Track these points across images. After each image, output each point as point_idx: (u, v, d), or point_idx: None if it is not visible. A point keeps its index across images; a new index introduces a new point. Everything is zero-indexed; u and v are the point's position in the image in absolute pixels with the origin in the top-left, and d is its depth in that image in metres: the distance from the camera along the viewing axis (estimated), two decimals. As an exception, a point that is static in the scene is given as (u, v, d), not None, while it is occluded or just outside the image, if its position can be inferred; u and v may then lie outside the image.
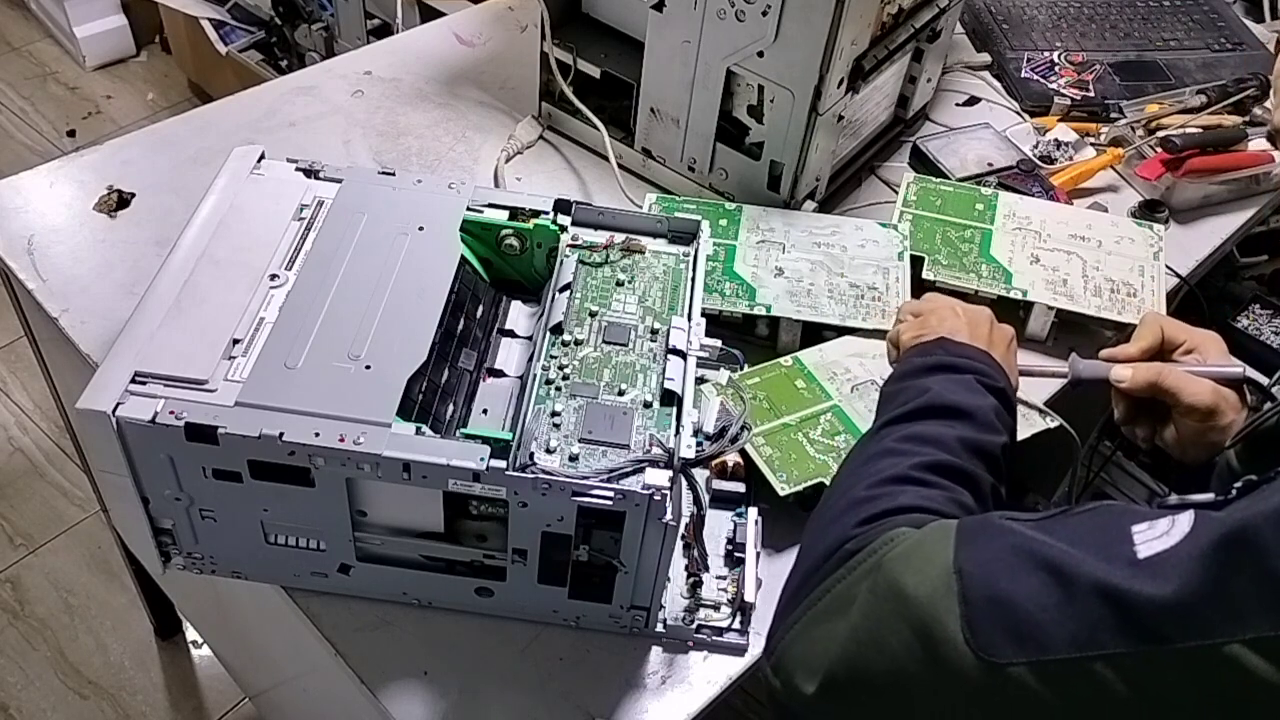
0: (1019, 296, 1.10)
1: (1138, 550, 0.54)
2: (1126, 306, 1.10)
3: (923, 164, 1.29)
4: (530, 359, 0.86)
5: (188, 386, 0.76)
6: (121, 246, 1.14)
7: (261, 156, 0.95)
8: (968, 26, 1.55)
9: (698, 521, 0.91)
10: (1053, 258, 1.14)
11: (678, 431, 0.78)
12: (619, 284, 0.90)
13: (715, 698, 0.85)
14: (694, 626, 0.86)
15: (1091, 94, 1.42)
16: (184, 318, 0.81)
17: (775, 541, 0.92)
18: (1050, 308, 1.10)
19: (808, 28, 1.03)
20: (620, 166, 1.23)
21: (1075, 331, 1.11)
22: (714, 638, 0.86)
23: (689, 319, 0.87)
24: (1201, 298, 1.26)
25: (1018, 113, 1.42)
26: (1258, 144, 1.33)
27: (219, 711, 1.76)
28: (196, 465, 0.77)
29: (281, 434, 0.73)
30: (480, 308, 0.92)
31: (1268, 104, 1.36)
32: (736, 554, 0.89)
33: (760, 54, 1.07)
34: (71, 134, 2.74)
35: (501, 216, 0.93)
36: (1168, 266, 1.16)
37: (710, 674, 0.86)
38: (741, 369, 0.96)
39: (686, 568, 0.89)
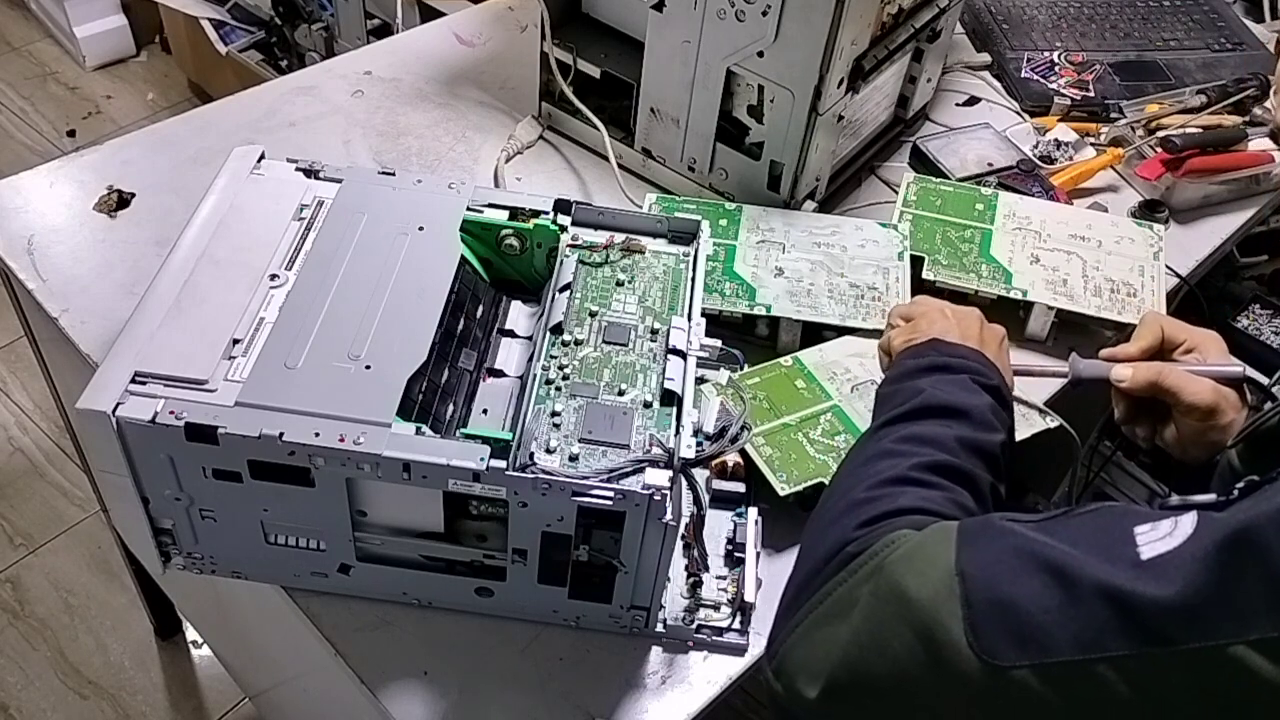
0: (1019, 296, 1.10)
1: (1141, 551, 0.54)
2: (1126, 306, 1.10)
3: (923, 164, 1.29)
4: (530, 359, 0.86)
5: (188, 386, 0.76)
6: (121, 246, 1.14)
7: (261, 156, 0.95)
8: (968, 26, 1.55)
9: (698, 521, 0.91)
10: (1053, 258, 1.14)
11: (678, 431, 0.78)
12: (619, 284, 0.90)
13: (715, 698, 0.85)
14: (694, 626, 0.86)
15: (1091, 94, 1.42)
16: (184, 318, 0.81)
17: (775, 541, 0.92)
18: (1050, 308, 1.10)
19: (808, 28, 1.03)
20: (620, 166, 1.23)
21: (1075, 331, 1.11)
22: (714, 638, 0.86)
23: (689, 319, 0.87)
24: (1201, 298, 1.26)
25: (1018, 113, 1.42)
26: (1258, 144, 1.33)
27: (219, 711, 1.76)
28: (196, 465, 0.77)
29: (281, 434, 0.73)
30: (480, 308, 0.92)
31: (1268, 104, 1.36)
32: (736, 554, 0.89)
33: (760, 54, 1.07)
34: (71, 134, 2.74)
35: (501, 216, 0.93)
36: (1168, 266, 1.16)
37: (710, 674, 0.86)
38: (741, 369, 0.96)
39: (686, 568, 0.89)
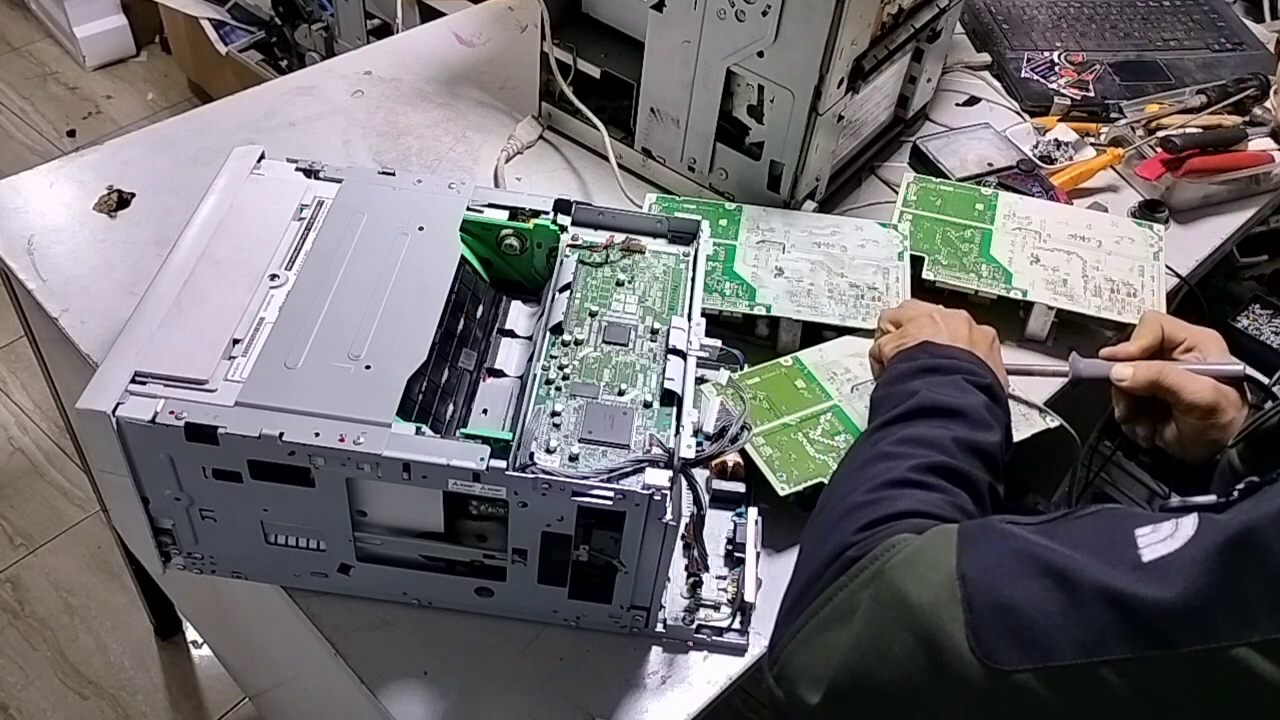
0: (1019, 296, 1.10)
1: (1142, 554, 0.54)
2: (1126, 306, 1.10)
3: (923, 164, 1.29)
4: (530, 359, 0.86)
5: (188, 386, 0.76)
6: (121, 246, 1.14)
7: (261, 156, 0.95)
8: (968, 26, 1.55)
9: (698, 521, 0.91)
10: (1053, 258, 1.14)
11: (678, 431, 0.78)
12: (619, 284, 0.90)
13: (715, 698, 0.85)
14: (694, 626, 0.86)
15: (1091, 94, 1.42)
16: (184, 318, 0.81)
17: (775, 541, 0.92)
18: (1050, 308, 1.10)
19: (808, 28, 1.03)
20: (620, 166, 1.23)
21: (1075, 331, 1.11)
22: (714, 638, 0.86)
23: (689, 319, 0.87)
24: (1201, 298, 1.26)
25: (1018, 113, 1.42)
26: (1258, 144, 1.33)
27: (219, 711, 1.76)
28: (196, 465, 0.77)
29: (281, 434, 0.73)
30: (480, 308, 0.92)
31: (1268, 104, 1.36)
32: (736, 554, 0.89)
33: (760, 54, 1.07)
34: (71, 134, 2.74)
35: (501, 216, 0.93)
36: (1168, 266, 1.16)
37: (710, 674, 0.86)
38: (741, 369, 0.96)
39: (686, 568, 0.89)
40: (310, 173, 0.94)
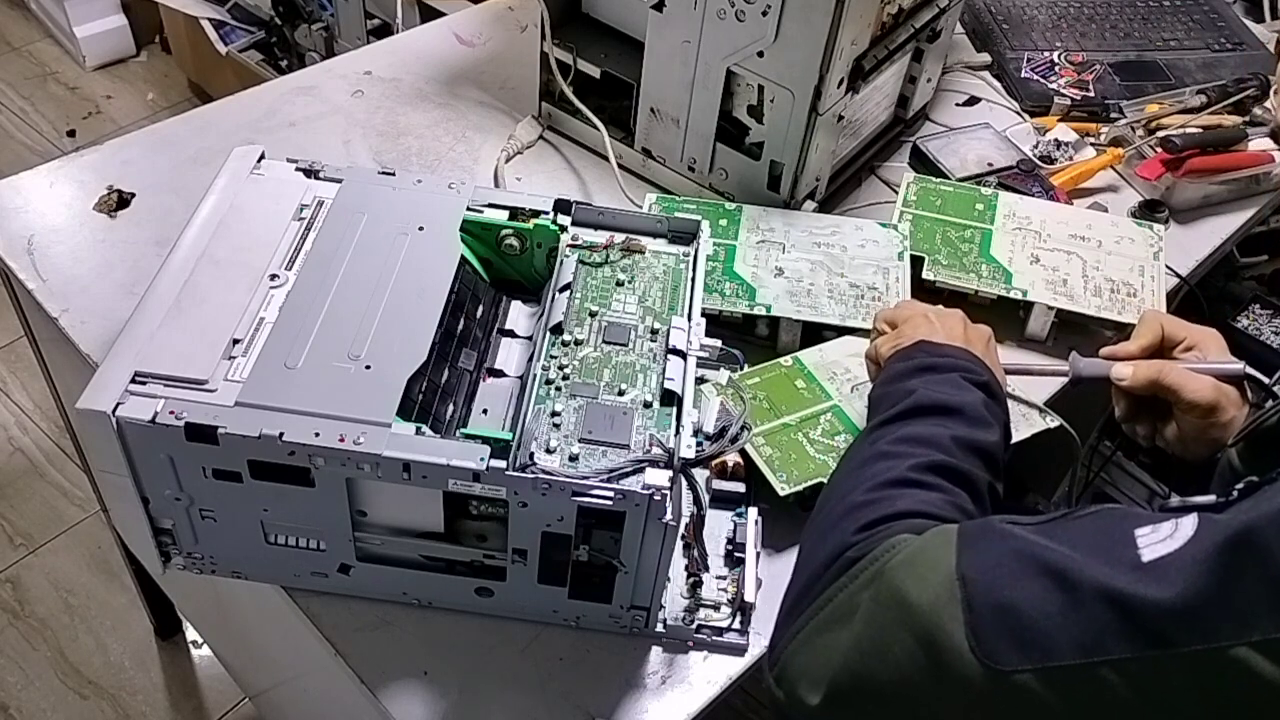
0: (1019, 296, 1.10)
1: (1141, 554, 0.54)
2: (1126, 306, 1.10)
3: (923, 164, 1.29)
4: (530, 359, 0.86)
5: (188, 386, 0.76)
6: (121, 246, 1.14)
7: (261, 156, 0.95)
8: (968, 26, 1.55)
9: (698, 521, 0.91)
10: (1053, 258, 1.14)
11: (678, 431, 0.78)
12: (619, 284, 0.90)
13: (715, 698, 0.85)
14: (694, 626, 0.86)
15: (1091, 94, 1.42)
16: (184, 318, 0.81)
17: (775, 541, 0.92)
18: (1050, 308, 1.10)
19: (808, 28, 1.03)
20: (620, 166, 1.23)
21: (1075, 331, 1.11)
22: (714, 638, 0.86)
23: (689, 319, 0.87)
24: (1201, 298, 1.26)
25: (1018, 113, 1.42)
26: (1258, 144, 1.33)
27: (219, 711, 1.76)
28: (196, 465, 0.77)
29: (281, 434, 0.73)
30: (480, 308, 0.92)
31: (1268, 104, 1.36)
32: (736, 554, 0.89)
33: (760, 54, 1.07)
34: (71, 134, 2.74)
35: (501, 216, 0.93)
36: (1168, 266, 1.16)
37: (710, 674, 0.86)
38: (741, 369, 0.96)
39: (686, 568, 0.89)
40: (310, 173, 0.94)
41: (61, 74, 2.92)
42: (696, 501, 0.92)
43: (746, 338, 1.07)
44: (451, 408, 0.85)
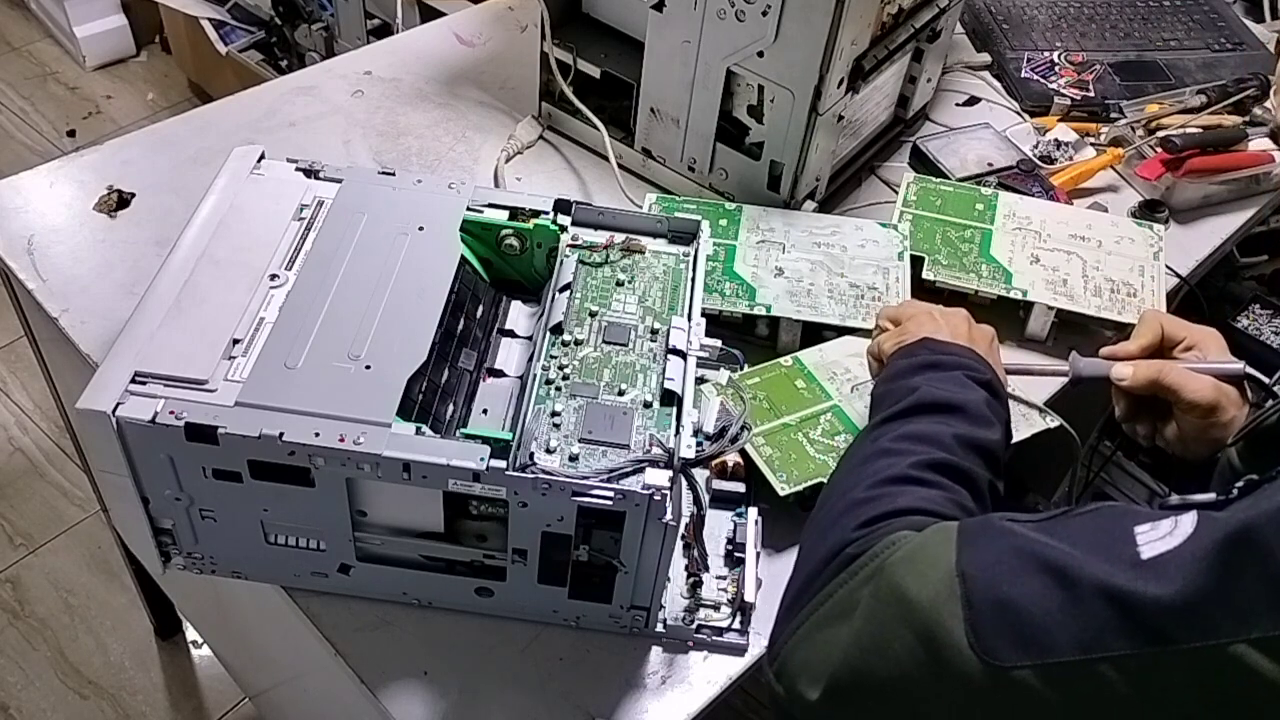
0: (1019, 296, 1.10)
1: (1141, 551, 0.54)
2: (1126, 306, 1.10)
3: (923, 164, 1.29)
4: (530, 359, 0.86)
5: (188, 386, 0.76)
6: (121, 246, 1.14)
7: (261, 156, 0.95)
8: (968, 26, 1.55)
9: (698, 521, 0.91)
10: (1053, 258, 1.14)
11: (678, 431, 0.78)
12: (619, 284, 0.90)
13: (715, 698, 0.85)
14: (694, 626, 0.86)
15: (1091, 94, 1.42)
16: (184, 318, 0.81)
17: (775, 541, 0.92)
18: (1050, 308, 1.10)
19: (808, 28, 1.03)
20: (620, 166, 1.23)
21: (1075, 331, 1.11)
22: (714, 638, 0.86)
23: (689, 319, 0.87)
24: (1201, 298, 1.26)
25: (1018, 113, 1.42)
26: (1258, 144, 1.33)
27: (219, 711, 1.76)
28: (196, 465, 0.77)
29: (281, 434, 0.73)
30: (480, 308, 0.92)
31: (1268, 104, 1.36)
32: (736, 554, 0.89)
33: (760, 54, 1.07)
34: (71, 134, 2.74)
35: (501, 216, 0.93)
36: (1168, 266, 1.16)
37: (710, 674, 0.86)
38: (741, 369, 0.96)
39: (686, 568, 0.89)
40: (310, 173, 0.94)
41: (61, 74, 2.92)
42: (696, 501, 0.92)
43: (746, 338, 1.07)
44: (451, 408, 0.85)
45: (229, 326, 0.81)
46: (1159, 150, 1.29)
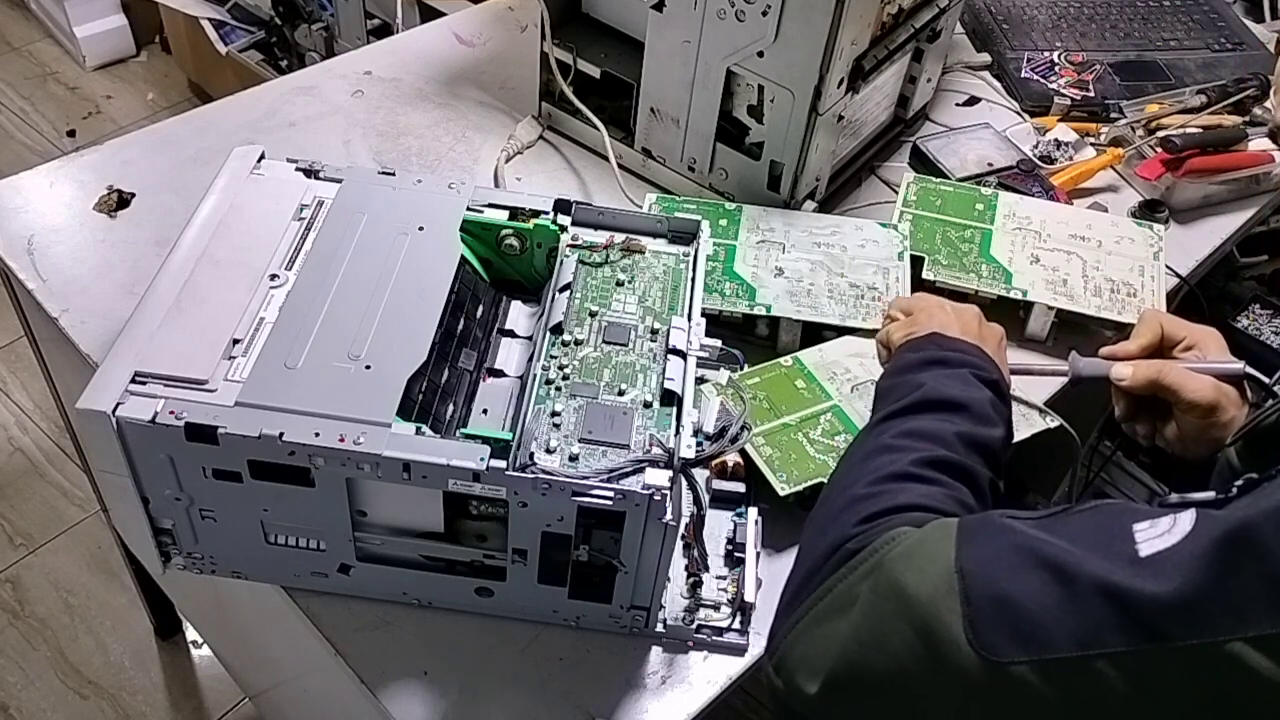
0: (1019, 296, 1.10)
1: (1139, 548, 0.54)
2: (1126, 306, 1.10)
3: (923, 164, 1.29)
4: (530, 359, 0.86)
5: (188, 386, 0.76)
6: (121, 246, 1.14)
7: (261, 156, 0.95)
8: (968, 26, 1.55)
9: (698, 521, 0.91)
10: (1053, 258, 1.14)
11: (678, 431, 0.78)
12: (619, 284, 0.90)
13: (715, 698, 0.85)
14: (694, 626, 0.86)
15: (1091, 94, 1.42)
16: (184, 318, 0.81)
17: (775, 541, 0.92)
18: (1050, 308, 1.10)
19: (808, 28, 1.03)
20: (620, 166, 1.23)
21: (1075, 331, 1.11)
22: (714, 638, 0.86)
23: (689, 319, 0.87)
24: (1201, 298, 1.26)
25: (1018, 113, 1.42)
26: (1258, 144, 1.33)
27: (219, 711, 1.76)
28: (196, 465, 0.77)
29: (281, 434, 0.73)
30: (480, 308, 0.92)
31: (1268, 104, 1.36)
32: (736, 554, 0.89)
33: (760, 54, 1.07)
34: (71, 134, 2.74)
35: (501, 216, 0.93)
36: (1168, 266, 1.16)
37: (710, 674, 0.86)
38: (741, 369, 0.96)
39: (686, 568, 0.89)
40: (310, 173, 0.94)
41: (61, 74, 2.92)
42: (696, 501, 0.92)
43: (746, 338, 1.07)
44: (451, 408, 0.85)
45: (229, 326, 0.81)
46: (1159, 150, 1.29)
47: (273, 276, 0.85)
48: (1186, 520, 0.54)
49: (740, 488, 0.93)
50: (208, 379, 0.77)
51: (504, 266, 0.95)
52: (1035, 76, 1.45)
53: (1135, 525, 0.56)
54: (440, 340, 0.83)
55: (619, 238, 0.93)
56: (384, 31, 2.05)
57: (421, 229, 0.89)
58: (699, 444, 0.79)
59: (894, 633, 0.60)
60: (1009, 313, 1.11)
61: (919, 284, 1.10)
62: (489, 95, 1.38)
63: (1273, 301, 1.63)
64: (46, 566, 1.89)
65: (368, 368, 0.78)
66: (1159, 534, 0.54)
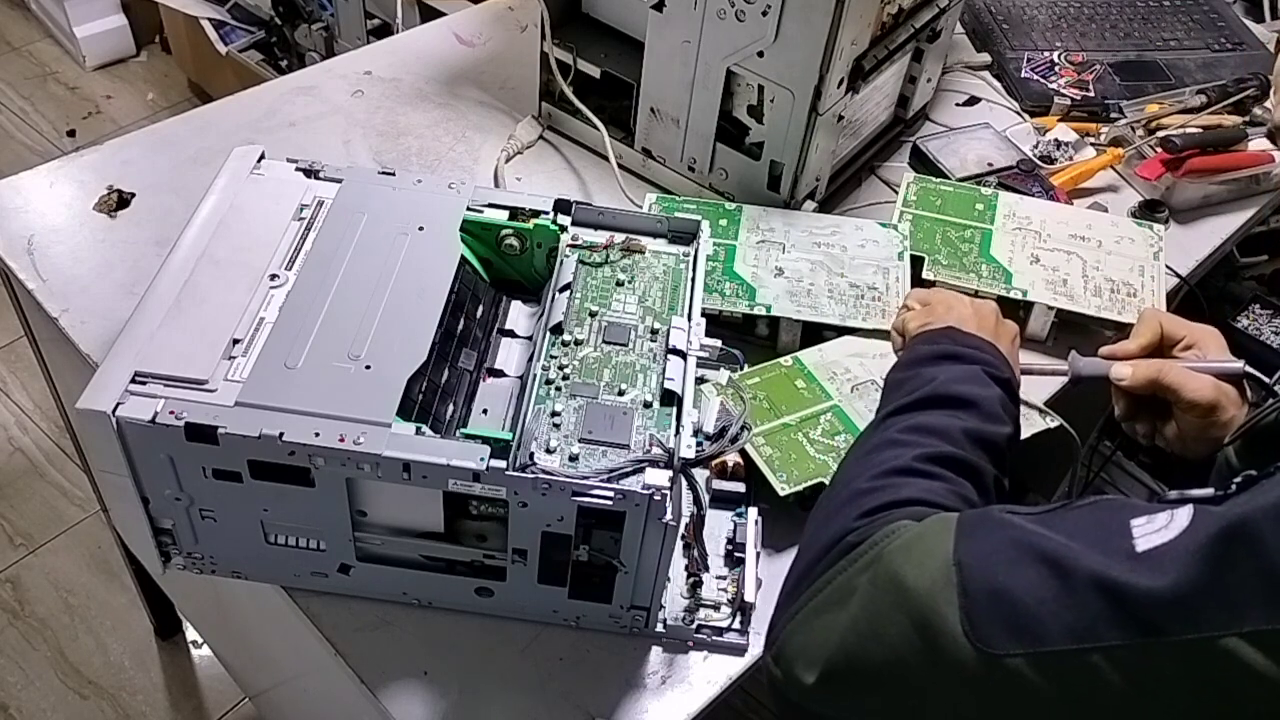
0: (1019, 296, 1.10)
1: (1136, 544, 0.55)
2: (1126, 306, 1.10)
3: (923, 164, 1.29)
4: (530, 359, 0.86)
5: (188, 386, 0.76)
6: (121, 246, 1.14)
7: (261, 156, 0.95)
8: (968, 26, 1.55)
9: (698, 521, 0.91)
10: (1053, 258, 1.14)
11: (678, 431, 0.78)
12: (619, 284, 0.90)
13: (715, 698, 0.85)
14: (694, 626, 0.86)
15: (1091, 94, 1.42)
16: (184, 318, 0.81)
17: (775, 541, 0.92)
18: (1050, 308, 1.10)
19: (808, 28, 1.03)
20: (620, 166, 1.23)
21: (1075, 331, 1.11)
22: (714, 638, 0.86)
23: (689, 319, 0.87)
24: (1201, 298, 1.26)
25: (1018, 113, 1.42)
26: (1258, 144, 1.33)
27: (219, 711, 1.76)
28: (196, 465, 0.77)
29: (281, 434, 0.73)
30: (480, 308, 0.92)
31: (1268, 104, 1.36)
32: (736, 554, 0.89)
33: (760, 54, 1.07)
34: (71, 134, 2.74)
35: (501, 216, 0.93)
36: (1168, 266, 1.16)
37: (710, 674, 0.86)
38: (741, 369, 0.96)
39: (686, 568, 0.89)
40: (310, 173, 0.94)
41: (61, 74, 2.92)
42: (696, 501, 0.92)
43: (746, 338, 1.07)
44: (451, 408, 0.85)
45: (229, 326, 0.81)
46: (1159, 150, 1.29)
47: (273, 276, 0.85)
48: (1184, 516, 0.54)
49: (740, 488, 0.93)
50: (208, 379, 0.77)
51: (504, 266, 0.95)
52: (1035, 76, 1.45)
53: (1133, 521, 0.56)
54: (440, 340, 0.83)
55: (619, 238, 0.93)
56: (384, 31, 2.05)
57: (421, 229, 0.89)
58: (699, 444, 0.79)
59: (892, 624, 0.60)
60: (1009, 313, 1.10)
61: (919, 284, 1.10)
62: (489, 95, 1.38)
63: (1273, 301, 1.63)
64: (46, 566, 1.89)
65: (368, 368, 0.78)
66: (1156, 529, 0.55)
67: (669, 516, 0.74)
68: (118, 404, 0.74)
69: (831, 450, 0.94)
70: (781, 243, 1.11)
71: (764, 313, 1.05)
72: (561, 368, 0.83)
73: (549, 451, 0.77)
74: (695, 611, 0.87)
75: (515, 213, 0.93)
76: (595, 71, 1.24)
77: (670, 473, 0.74)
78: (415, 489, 0.75)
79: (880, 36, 1.16)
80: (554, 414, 0.79)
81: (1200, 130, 1.32)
